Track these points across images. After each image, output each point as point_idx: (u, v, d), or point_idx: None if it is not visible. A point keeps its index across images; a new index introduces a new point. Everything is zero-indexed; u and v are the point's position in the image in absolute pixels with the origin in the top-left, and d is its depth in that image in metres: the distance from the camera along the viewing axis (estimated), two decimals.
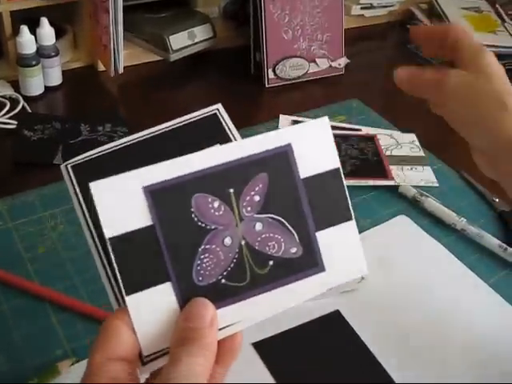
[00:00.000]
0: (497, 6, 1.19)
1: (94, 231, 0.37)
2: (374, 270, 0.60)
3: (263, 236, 0.35)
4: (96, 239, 0.36)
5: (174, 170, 0.33)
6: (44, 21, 0.79)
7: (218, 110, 0.42)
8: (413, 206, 0.72)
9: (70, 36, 0.89)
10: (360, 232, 0.49)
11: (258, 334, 0.56)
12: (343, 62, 0.95)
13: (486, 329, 0.59)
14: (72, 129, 0.74)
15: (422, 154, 0.79)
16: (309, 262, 0.36)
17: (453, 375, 0.54)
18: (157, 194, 0.32)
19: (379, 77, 0.98)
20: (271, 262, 0.35)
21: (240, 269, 0.34)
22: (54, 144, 0.72)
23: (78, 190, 0.37)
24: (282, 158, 0.36)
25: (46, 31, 0.79)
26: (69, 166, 0.38)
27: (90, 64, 0.90)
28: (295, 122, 0.80)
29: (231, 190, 0.34)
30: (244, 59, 0.93)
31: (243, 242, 0.34)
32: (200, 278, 0.33)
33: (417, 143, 0.81)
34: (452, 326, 0.59)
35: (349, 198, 0.37)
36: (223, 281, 0.34)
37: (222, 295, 0.34)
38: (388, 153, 0.78)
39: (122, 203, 0.32)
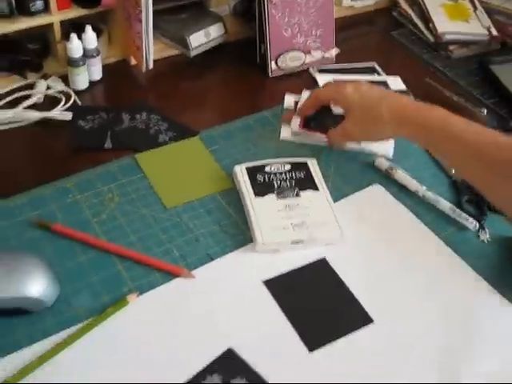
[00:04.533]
0: None
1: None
2: (353, 227, 0.79)
3: None
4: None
5: None
6: (88, 28, 0.96)
7: None
8: (385, 177, 0.88)
9: (105, 35, 1.06)
10: (343, 197, 0.69)
11: (267, 273, 0.72)
12: (334, 52, 1.13)
13: (437, 263, 0.78)
14: (115, 118, 0.93)
15: None
16: None
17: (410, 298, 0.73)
18: None
19: (367, 59, 1.15)
20: None
21: None
22: (103, 131, 0.90)
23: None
24: None
25: (90, 36, 0.96)
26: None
27: (122, 58, 1.07)
28: (296, 103, 0.99)
29: None
30: (251, 51, 1.09)
31: None
32: None
33: None
34: (414, 268, 0.76)
35: None
36: None
37: None
38: None
39: None
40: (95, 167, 0.84)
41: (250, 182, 0.80)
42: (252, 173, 0.81)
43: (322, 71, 1.10)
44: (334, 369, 0.65)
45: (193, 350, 0.65)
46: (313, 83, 1.07)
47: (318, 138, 0.91)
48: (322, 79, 1.06)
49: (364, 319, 0.70)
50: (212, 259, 0.74)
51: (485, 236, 0.83)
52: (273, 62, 1.06)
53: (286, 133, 0.94)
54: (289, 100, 1.00)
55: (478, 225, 0.84)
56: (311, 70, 1.11)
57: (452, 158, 0.81)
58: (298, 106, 0.95)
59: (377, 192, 0.87)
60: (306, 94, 0.99)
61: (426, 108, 0.81)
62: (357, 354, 0.67)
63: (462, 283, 0.76)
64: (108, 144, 0.88)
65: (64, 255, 0.72)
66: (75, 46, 0.95)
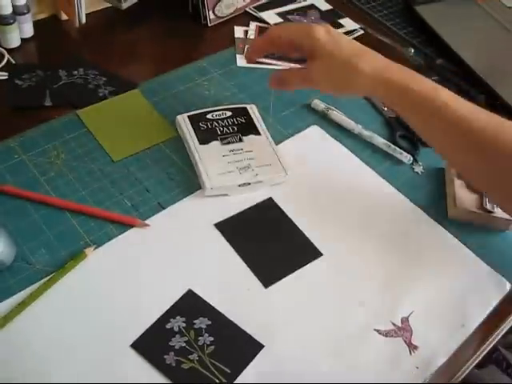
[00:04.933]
0: None
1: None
2: (295, 167, 0.82)
3: None
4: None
5: None
6: None
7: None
8: (322, 118, 0.93)
9: None
10: (283, 140, 0.72)
11: (217, 216, 0.76)
12: None
13: (376, 196, 0.83)
14: (52, 75, 0.92)
15: None
16: None
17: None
18: None
19: None
20: None
21: None
22: (41, 89, 0.89)
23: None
24: None
25: None
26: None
27: (52, 14, 1.05)
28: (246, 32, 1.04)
29: None
30: (182, 1, 1.10)
31: None
32: None
33: None
34: (354, 200, 0.81)
35: None
36: None
37: None
38: None
39: None
40: (38, 126, 0.84)
41: (194, 130, 0.82)
42: (194, 121, 0.83)
43: (261, 9, 1.14)
44: (289, 301, 0.70)
45: (154, 296, 0.68)
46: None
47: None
48: (272, 19, 1.11)
49: (314, 253, 0.75)
50: (163, 208, 0.76)
51: (419, 168, 0.89)
52: (210, 12, 1.07)
53: (241, 61, 1.00)
54: (238, 31, 1.06)
55: (411, 158, 0.89)
56: (249, 9, 1.13)
57: (443, 144, 0.74)
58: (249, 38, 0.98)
59: (315, 133, 0.91)
60: (253, 24, 1.04)
61: (416, 78, 0.73)
62: (310, 286, 0.71)
63: (399, 212, 0.81)
64: (48, 101, 0.88)
65: (16, 215, 0.73)
66: (4, 3, 0.93)
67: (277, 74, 0.80)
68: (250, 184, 0.78)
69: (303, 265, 0.73)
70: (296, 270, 0.73)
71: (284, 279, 0.72)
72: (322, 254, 0.75)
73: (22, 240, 0.70)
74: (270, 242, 0.75)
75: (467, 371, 0.69)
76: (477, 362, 0.70)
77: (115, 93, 0.90)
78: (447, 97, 0.71)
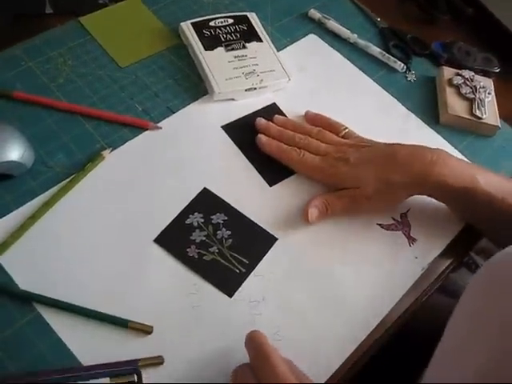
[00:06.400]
0: None
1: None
2: (296, 75, 0.85)
3: None
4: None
5: None
6: None
7: None
8: (318, 27, 0.94)
9: None
10: (281, 49, 0.75)
11: (225, 120, 0.79)
12: None
13: (372, 102, 0.86)
14: None
15: None
16: None
17: None
18: None
19: None
20: None
21: None
22: None
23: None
24: None
25: None
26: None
27: None
28: None
29: None
30: None
31: None
32: None
33: None
34: (352, 104, 0.85)
35: None
36: None
37: None
38: None
39: None
40: (40, 34, 0.84)
41: (198, 37, 0.84)
42: (198, 28, 0.85)
43: None
44: (294, 199, 0.74)
45: (171, 195, 0.71)
46: None
47: None
48: None
49: None
50: (173, 112, 0.78)
51: (411, 76, 0.93)
52: None
53: None
54: None
55: (405, 67, 0.92)
56: None
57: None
58: None
59: (313, 41, 0.93)
60: None
61: (455, 172, 0.70)
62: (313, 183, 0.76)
63: (394, 116, 0.86)
64: (48, 9, 0.88)
65: (30, 121, 0.74)
66: None
67: (316, 203, 0.72)
68: (255, 89, 0.81)
69: None
70: None
71: (287, 179, 0.76)
72: None
73: (38, 145, 0.72)
74: None
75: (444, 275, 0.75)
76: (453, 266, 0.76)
77: (115, 0, 0.90)
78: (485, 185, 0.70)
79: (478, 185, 0.69)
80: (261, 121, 0.78)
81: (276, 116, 0.79)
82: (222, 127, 0.78)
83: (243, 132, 0.78)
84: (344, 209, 0.72)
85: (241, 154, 0.77)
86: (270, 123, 0.78)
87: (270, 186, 0.75)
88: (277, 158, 0.76)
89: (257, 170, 0.76)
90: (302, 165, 0.74)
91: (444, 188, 0.70)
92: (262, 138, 0.76)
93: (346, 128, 0.78)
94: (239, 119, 0.80)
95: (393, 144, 0.74)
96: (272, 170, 0.76)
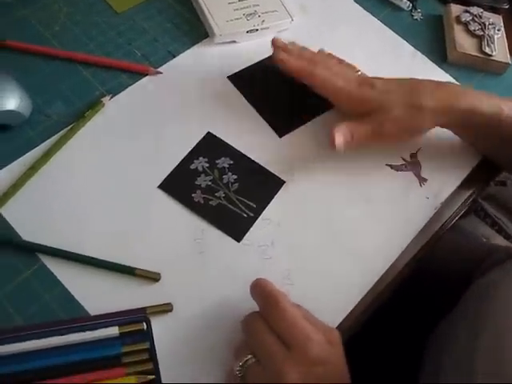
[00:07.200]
0: None
1: None
2: (298, 16, 0.82)
3: None
4: None
5: None
6: None
7: None
8: None
9: None
10: None
11: (228, 64, 0.76)
12: None
13: (378, 41, 0.84)
14: None
15: None
16: None
17: None
18: None
19: None
20: None
21: None
22: None
23: None
24: None
25: None
26: None
27: None
28: None
29: None
30: None
31: None
32: None
33: None
34: (357, 43, 0.81)
35: None
36: None
37: None
38: None
39: None
40: None
41: None
42: None
43: None
44: (304, 150, 0.72)
45: (174, 140, 0.69)
46: None
47: None
48: None
49: (323, 106, 0.75)
50: (174, 56, 0.76)
51: (418, 15, 0.90)
52: None
53: None
54: None
55: (411, 5, 0.89)
56: None
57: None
58: None
59: None
60: None
61: (481, 98, 0.70)
62: (323, 133, 0.73)
63: (401, 56, 0.83)
64: None
65: (26, 70, 0.72)
66: None
67: (342, 134, 0.68)
68: (257, 30, 0.78)
69: (315, 115, 0.75)
70: (308, 121, 0.75)
71: (297, 130, 0.73)
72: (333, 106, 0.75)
73: (36, 94, 0.70)
74: (281, 94, 0.76)
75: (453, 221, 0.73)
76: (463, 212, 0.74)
77: None
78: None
79: (503, 112, 0.68)
80: (278, 40, 0.74)
81: (291, 41, 0.75)
82: (229, 77, 0.76)
83: (250, 82, 0.76)
84: (368, 136, 0.68)
85: (248, 104, 0.74)
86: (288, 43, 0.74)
87: (280, 137, 0.72)
88: (296, 77, 0.71)
89: (266, 121, 0.73)
90: (326, 85, 0.70)
91: (471, 117, 0.68)
92: (281, 54, 0.71)
93: (359, 70, 0.75)
94: (244, 69, 0.77)
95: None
96: (282, 120, 0.73)
